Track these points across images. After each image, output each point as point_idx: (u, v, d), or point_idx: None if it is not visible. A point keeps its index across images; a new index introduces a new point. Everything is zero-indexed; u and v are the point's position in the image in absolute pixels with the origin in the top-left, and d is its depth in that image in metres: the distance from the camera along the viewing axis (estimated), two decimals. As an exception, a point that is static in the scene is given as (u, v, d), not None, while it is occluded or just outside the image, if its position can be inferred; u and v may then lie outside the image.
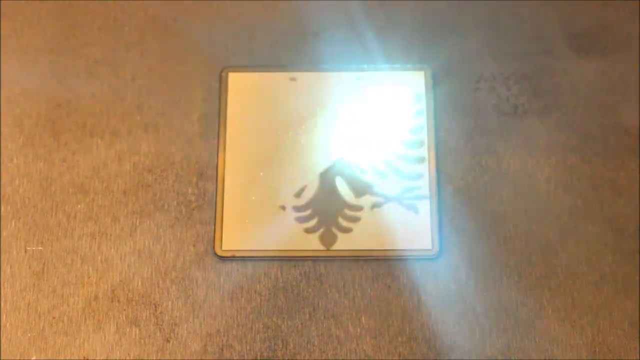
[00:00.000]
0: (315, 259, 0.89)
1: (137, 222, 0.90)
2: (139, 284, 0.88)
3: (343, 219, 0.90)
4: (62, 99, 0.93)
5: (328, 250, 0.89)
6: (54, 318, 0.87)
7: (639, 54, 0.94)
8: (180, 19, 0.96)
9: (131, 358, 0.86)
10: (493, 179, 0.91)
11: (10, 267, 0.89)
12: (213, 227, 0.89)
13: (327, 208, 0.90)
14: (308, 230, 0.89)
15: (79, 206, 0.90)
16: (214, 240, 0.89)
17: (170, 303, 0.88)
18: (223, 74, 0.94)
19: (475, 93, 0.94)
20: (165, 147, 0.92)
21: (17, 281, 0.88)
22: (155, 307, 0.88)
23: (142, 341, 0.87)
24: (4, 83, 0.94)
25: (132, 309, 0.88)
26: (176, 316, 0.87)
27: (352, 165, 0.91)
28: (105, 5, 0.96)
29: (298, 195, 0.90)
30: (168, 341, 0.87)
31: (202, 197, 0.90)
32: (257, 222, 0.90)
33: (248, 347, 0.87)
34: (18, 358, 0.86)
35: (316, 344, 0.87)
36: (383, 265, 0.89)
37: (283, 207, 0.90)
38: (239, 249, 0.89)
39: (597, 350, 0.86)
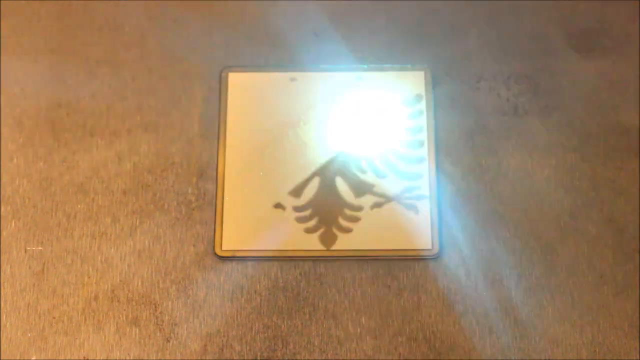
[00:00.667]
0: (315, 259, 0.89)
1: (137, 222, 0.90)
2: (139, 284, 0.88)
3: (343, 219, 0.90)
4: (62, 99, 0.93)
5: (328, 250, 0.89)
6: (54, 318, 0.87)
7: (639, 54, 0.94)
8: (180, 19, 0.96)
9: (131, 358, 0.86)
10: (493, 179, 0.91)
11: (10, 267, 0.89)
12: (213, 227, 0.89)
13: (327, 208, 0.90)
14: (308, 230, 0.89)
15: (79, 206, 0.90)
16: (214, 240, 0.89)
17: (170, 303, 0.88)
18: (223, 74, 0.94)
19: (475, 93, 0.94)
20: (165, 147, 0.92)
21: (17, 281, 0.88)
22: (155, 307, 0.88)
23: (142, 341, 0.87)
24: (4, 83, 0.94)
25: (132, 309, 0.88)
26: (176, 316, 0.87)
27: (352, 165, 0.91)
28: (105, 5, 0.96)
29: (298, 195, 0.90)
30: (168, 341, 0.87)
31: (202, 197, 0.91)
32: (257, 222, 0.90)
33: (248, 347, 0.87)
34: (18, 358, 0.86)
35: (316, 344, 0.87)
36: (383, 265, 0.89)
37: (283, 207, 0.90)
38: (239, 249, 0.89)
39: (597, 350, 0.86)
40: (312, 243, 0.89)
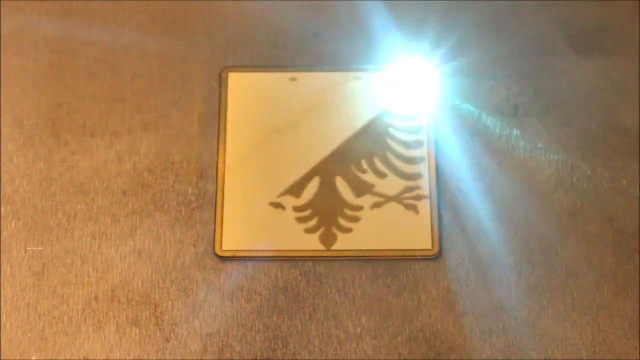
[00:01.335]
0: (315, 259, 0.89)
1: (137, 222, 0.90)
2: (139, 284, 0.88)
3: (343, 219, 0.90)
4: (62, 99, 0.93)
5: (328, 250, 0.89)
6: (54, 318, 0.87)
7: (639, 54, 0.94)
8: (180, 19, 0.96)
9: (131, 358, 0.86)
10: (493, 179, 0.91)
11: (10, 267, 0.89)
12: (213, 227, 0.89)
13: (327, 208, 0.90)
14: (308, 230, 0.89)
15: (79, 206, 0.90)
16: (214, 240, 0.89)
17: (170, 303, 0.88)
18: (223, 74, 0.94)
19: (475, 93, 0.94)
20: (165, 147, 0.92)
21: (17, 281, 0.88)
22: (155, 307, 0.88)
23: (142, 341, 0.87)
24: (4, 83, 0.94)
25: (132, 309, 0.88)
26: (176, 316, 0.87)
27: (352, 165, 0.91)
28: (105, 5, 0.96)
29: (298, 195, 0.90)
30: (168, 341, 0.87)
31: (202, 197, 0.90)
32: (258, 222, 0.90)
33: (248, 347, 0.87)
34: (18, 358, 0.86)
35: (316, 344, 0.87)
36: (383, 265, 0.89)
37: (283, 207, 0.90)
38: (239, 249, 0.89)
39: (597, 350, 0.86)
40: (312, 243, 0.89)
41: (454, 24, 0.96)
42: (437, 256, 0.89)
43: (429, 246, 0.89)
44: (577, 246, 0.89)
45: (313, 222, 0.90)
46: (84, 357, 0.86)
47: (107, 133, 0.92)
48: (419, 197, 0.90)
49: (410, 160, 0.91)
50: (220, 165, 0.91)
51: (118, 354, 0.86)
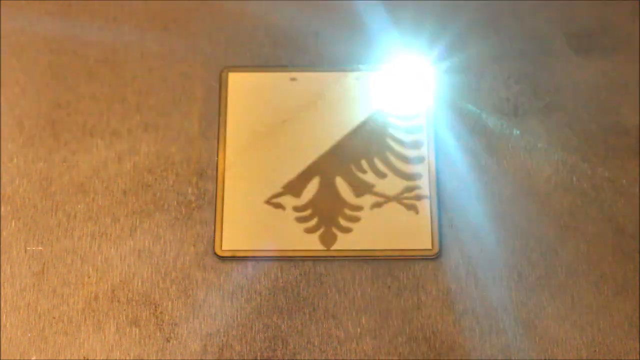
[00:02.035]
0: (315, 259, 0.89)
1: (137, 222, 0.90)
2: (139, 284, 0.88)
3: (343, 219, 0.90)
4: (62, 99, 0.93)
5: (328, 250, 0.89)
6: (54, 318, 0.87)
7: (639, 54, 0.94)
8: (180, 19, 0.96)
9: (131, 358, 0.86)
10: (493, 179, 0.91)
11: (10, 267, 0.89)
12: (213, 227, 0.89)
13: (327, 208, 0.90)
14: (308, 230, 0.89)
15: (79, 206, 0.90)
16: (214, 240, 0.89)
17: (170, 303, 0.88)
18: (223, 74, 0.94)
19: (475, 93, 0.94)
20: (165, 147, 0.92)
21: (17, 281, 0.88)
22: (155, 307, 0.88)
23: (142, 341, 0.87)
24: (4, 83, 0.94)
25: (132, 309, 0.88)
26: (176, 316, 0.87)
27: (352, 165, 0.91)
28: (105, 5, 0.96)
29: (298, 195, 0.90)
30: (168, 341, 0.87)
31: (202, 197, 0.90)
32: (257, 222, 0.90)
33: (248, 347, 0.87)
34: (18, 358, 0.86)
35: (316, 344, 0.87)
36: (383, 265, 0.89)
37: (283, 207, 0.90)
38: (239, 249, 0.89)
39: (597, 350, 0.86)
40: (312, 243, 0.89)
41: (453, 24, 0.96)
42: (437, 256, 0.89)
43: (429, 246, 0.89)
44: (577, 246, 0.89)
45: (313, 222, 0.90)
46: (84, 357, 0.86)
47: (107, 133, 0.92)
48: (419, 197, 0.90)
49: (410, 160, 0.91)
50: (220, 165, 0.91)
51: (118, 354, 0.86)
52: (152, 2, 0.97)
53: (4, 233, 0.89)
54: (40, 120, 0.93)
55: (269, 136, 0.92)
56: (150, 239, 0.89)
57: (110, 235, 0.89)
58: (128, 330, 0.87)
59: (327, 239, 0.89)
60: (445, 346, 0.86)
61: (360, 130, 0.92)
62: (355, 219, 0.90)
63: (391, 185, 0.91)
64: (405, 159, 0.91)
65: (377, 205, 0.90)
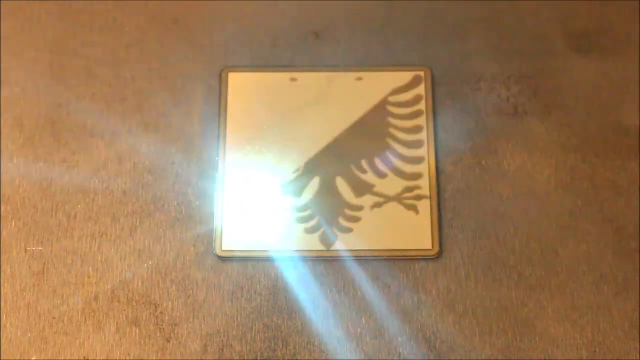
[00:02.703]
0: (315, 259, 0.89)
1: (137, 222, 0.90)
2: (139, 284, 0.88)
3: (343, 219, 0.90)
4: (62, 99, 0.93)
5: (328, 250, 0.89)
6: (54, 318, 0.87)
7: (639, 54, 0.94)
8: (180, 19, 0.96)
9: (131, 358, 0.86)
10: (493, 179, 0.91)
11: (10, 267, 0.89)
12: (213, 227, 0.89)
13: (327, 208, 0.90)
14: (308, 230, 0.89)
15: (79, 206, 0.90)
16: (214, 240, 0.89)
17: (170, 303, 0.88)
18: (223, 74, 0.94)
19: (475, 93, 0.94)
20: (165, 147, 0.92)
21: (17, 281, 0.88)
22: (155, 307, 0.88)
23: (142, 341, 0.87)
24: (4, 83, 0.94)
25: (132, 309, 0.88)
26: (176, 316, 0.87)
27: (352, 165, 0.91)
28: (105, 5, 0.96)
29: (298, 195, 0.90)
30: (168, 341, 0.87)
31: (202, 197, 0.90)
32: (257, 222, 0.90)
33: (248, 347, 0.87)
34: (18, 358, 0.86)
35: (316, 344, 0.87)
36: (383, 265, 0.89)
37: (283, 207, 0.90)
38: (239, 249, 0.89)
39: (597, 350, 0.86)
40: (312, 243, 0.89)
41: (453, 24, 0.96)
42: (437, 256, 0.89)
43: (429, 246, 0.89)
44: (577, 246, 0.89)
45: (313, 222, 0.90)
46: (84, 357, 0.86)
47: (107, 133, 0.92)
48: (419, 197, 0.90)
49: (410, 160, 0.91)
50: (220, 165, 0.91)
51: (118, 354, 0.86)
52: (152, 3, 0.97)
53: (4, 233, 0.89)
54: (40, 120, 0.93)
55: (269, 136, 0.92)
56: (150, 239, 0.89)
57: (110, 235, 0.89)
58: (128, 330, 0.87)
59: (327, 239, 0.89)
60: (445, 346, 0.86)
61: (360, 131, 0.92)
62: (355, 219, 0.90)
63: (391, 185, 0.91)
64: (405, 159, 0.91)
65: (377, 205, 0.90)
